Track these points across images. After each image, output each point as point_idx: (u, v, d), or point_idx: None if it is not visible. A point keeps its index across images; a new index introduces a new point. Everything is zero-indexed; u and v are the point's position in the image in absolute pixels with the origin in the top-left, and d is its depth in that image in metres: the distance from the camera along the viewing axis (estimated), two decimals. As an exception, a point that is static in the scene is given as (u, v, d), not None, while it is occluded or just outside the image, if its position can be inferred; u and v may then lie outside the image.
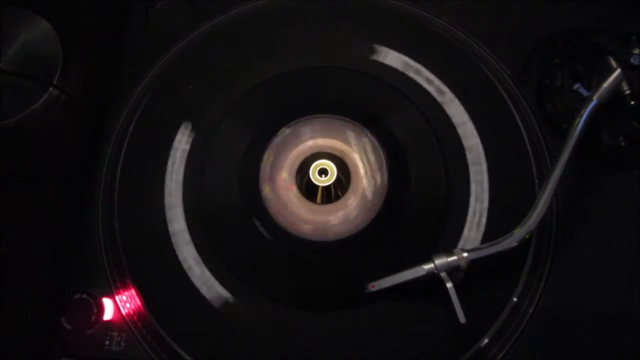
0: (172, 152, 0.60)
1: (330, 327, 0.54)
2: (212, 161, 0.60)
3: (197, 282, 0.56)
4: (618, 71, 0.52)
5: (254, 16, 0.65)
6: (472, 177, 0.58)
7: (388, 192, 0.57)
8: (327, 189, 0.58)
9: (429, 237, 0.56)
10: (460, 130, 0.59)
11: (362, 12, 0.65)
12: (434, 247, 0.55)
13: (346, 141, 0.59)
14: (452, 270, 0.51)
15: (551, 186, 0.51)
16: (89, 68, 0.63)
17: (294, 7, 0.65)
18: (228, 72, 0.63)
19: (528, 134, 0.59)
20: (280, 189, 0.59)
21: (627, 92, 0.53)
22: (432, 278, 0.51)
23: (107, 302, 0.56)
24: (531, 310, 0.54)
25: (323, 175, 0.58)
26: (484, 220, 0.56)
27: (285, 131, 0.60)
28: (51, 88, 0.58)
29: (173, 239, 0.57)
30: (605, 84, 0.52)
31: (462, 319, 0.49)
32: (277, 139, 0.60)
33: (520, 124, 0.59)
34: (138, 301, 0.56)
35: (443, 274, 0.50)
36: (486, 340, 0.53)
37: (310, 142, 0.60)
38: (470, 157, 0.58)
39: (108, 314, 0.56)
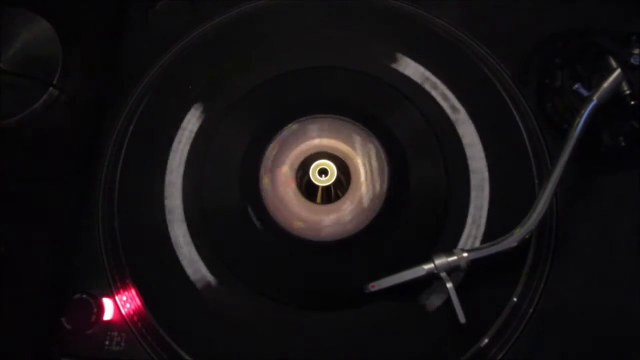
0: (172, 152, 0.60)
1: (330, 327, 0.54)
2: (212, 161, 0.60)
3: (197, 282, 0.56)
4: (618, 71, 0.52)
5: (254, 16, 0.65)
6: (472, 177, 0.58)
7: (385, 201, 0.57)
8: (326, 189, 0.58)
9: (429, 237, 0.56)
10: (460, 130, 0.59)
11: (362, 12, 0.65)
12: (434, 247, 0.55)
13: (352, 145, 0.59)
14: (452, 270, 0.51)
15: (551, 186, 0.51)
16: (89, 68, 0.63)
17: (294, 7, 0.65)
18: (228, 72, 0.63)
19: (528, 134, 0.59)
20: (279, 183, 0.59)
21: (627, 92, 0.53)
22: (432, 278, 0.51)
23: (107, 302, 0.56)
24: (531, 310, 0.54)
25: (323, 175, 0.58)
26: (484, 220, 0.56)
27: (293, 126, 0.60)
28: (51, 88, 0.58)
29: (173, 239, 0.57)
30: (605, 84, 0.52)
31: (462, 319, 0.49)
32: (284, 133, 0.60)
33: (520, 124, 0.59)
34: (138, 301, 0.56)
35: (443, 274, 0.50)
36: (486, 340, 0.53)
37: (316, 141, 0.60)
38: (470, 157, 0.58)
39: (108, 314, 0.56)
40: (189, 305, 0.56)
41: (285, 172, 0.59)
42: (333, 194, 0.59)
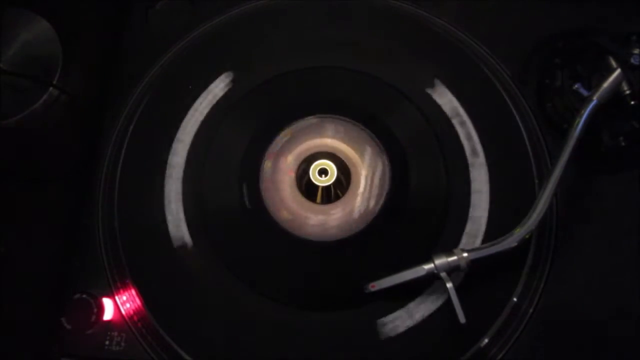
0: (172, 152, 0.60)
1: (330, 327, 0.54)
2: (212, 161, 0.60)
3: (197, 283, 0.56)
4: (618, 71, 0.52)
5: (254, 16, 0.65)
6: (472, 177, 0.58)
7: (374, 219, 0.57)
8: (326, 189, 0.58)
9: (429, 237, 0.56)
10: (460, 130, 0.59)
11: (362, 12, 0.65)
12: (434, 247, 0.55)
13: (361, 155, 0.59)
14: (452, 270, 0.51)
15: (551, 186, 0.51)
16: (89, 68, 0.63)
17: (294, 7, 0.65)
18: (228, 72, 0.63)
19: (528, 134, 0.59)
20: (279, 170, 0.59)
21: (627, 92, 0.53)
22: (432, 278, 0.51)
23: (107, 302, 0.56)
24: (531, 310, 0.54)
25: (323, 175, 0.58)
26: (484, 220, 0.56)
27: (312, 120, 0.60)
28: (51, 88, 0.58)
29: (173, 239, 0.57)
30: (605, 84, 0.52)
31: (462, 319, 0.49)
32: (301, 123, 0.60)
33: (520, 124, 0.59)
34: (138, 301, 0.56)
35: (443, 274, 0.50)
36: (486, 340, 0.53)
37: (328, 140, 0.60)
38: (470, 157, 0.58)
39: (108, 314, 0.56)
40: (189, 305, 0.56)
41: (289, 162, 0.59)
42: (333, 194, 0.59)
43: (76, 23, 0.62)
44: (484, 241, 0.55)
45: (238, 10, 0.66)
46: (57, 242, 0.58)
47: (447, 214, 0.57)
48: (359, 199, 0.57)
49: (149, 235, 0.58)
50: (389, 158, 0.58)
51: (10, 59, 0.59)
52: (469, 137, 0.59)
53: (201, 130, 0.61)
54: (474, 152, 0.58)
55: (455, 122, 0.59)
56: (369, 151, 0.59)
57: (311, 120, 0.60)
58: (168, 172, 0.59)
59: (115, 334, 0.55)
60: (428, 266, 0.51)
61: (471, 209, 0.57)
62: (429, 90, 0.60)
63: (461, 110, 0.59)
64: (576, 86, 0.56)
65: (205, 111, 0.61)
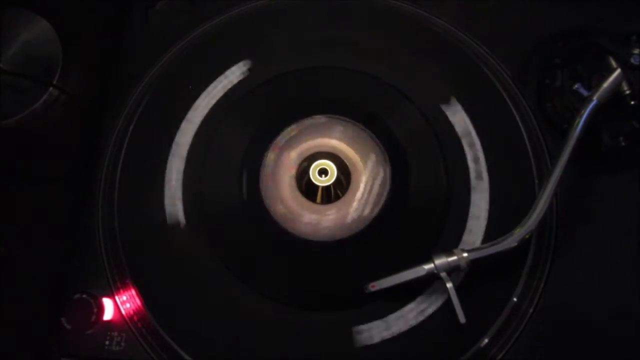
0: (172, 152, 0.60)
1: (330, 327, 0.54)
2: (212, 162, 0.60)
3: (197, 283, 0.56)
4: (618, 71, 0.52)
5: (254, 16, 0.65)
6: (472, 177, 0.58)
7: (367, 227, 0.57)
8: (326, 189, 0.58)
9: (429, 237, 0.56)
10: (460, 130, 0.59)
11: (362, 12, 0.65)
12: (434, 247, 0.55)
13: (365, 161, 0.59)
14: (452, 270, 0.51)
15: (551, 186, 0.51)
16: (89, 68, 0.63)
17: (294, 7, 0.65)
18: (228, 72, 0.63)
19: (528, 134, 0.59)
20: (281, 164, 0.59)
21: (627, 92, 0.53)
22: (432, 278, 0.51)
23: (107, 302, 0.56)
24: (531, 310, 0.54)
25: (323, 175, 0.58)
26: (484, 220, 0.56)
27: (322, 119, 0.60)
28: (51, 88, 0.58)
29: (173, 239, 0.57)
30: (605, 84, 0.52)
31: (462, 319, 0.49)
32: (309, 121, 0.60)
33: (520, 124, 0.59)
34: (138, 301, 0.56)
35: (443, 274, 0.50)
36: (486, 340, 0.53)
37: (334, 142, 0.60)
38: (470, 157, 0.58)
39: (108, 314, 0.56)
40: (189, 305, 0.56)
41: (293, 157, 0.59)
42: (333, 194, 0.59)
43: (76, 23, 0.62)
44: (484, 241, 0.55)
45: (238, 10, 0.66)
46: (57, 242, 0.59)
47: (447, 214, 0.57)
48: (355, 204, 0.58)
49: (149, 235, 0.58)
50: (392, 166, 0.58)
51: (10, 59, 0.59)
52: (472, 148, 0.59)
53: (201, 130, 0.61)
54: (476, 159, 0.58)
55: (464, 142, 0.59)
56: (372, 158, 0.59)
57: (320, 119, 0.60)
58: (168, 171, 0.59)
59: (115, 334, 0.55)
60: (428, 266, 0.51)
61: (471, 209, 0.57)
62: (443, 107, 0.60)
63: (472, 131, 0.59)
64: (576, 86, 0.56)
65: (219, 95, 0.61)
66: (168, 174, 0.59)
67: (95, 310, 0.55)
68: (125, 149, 0.60)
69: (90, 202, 0.60)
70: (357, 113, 0.60)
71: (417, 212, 0.57)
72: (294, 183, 0.59)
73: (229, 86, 0.62)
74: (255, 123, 0.61)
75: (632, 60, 0.53)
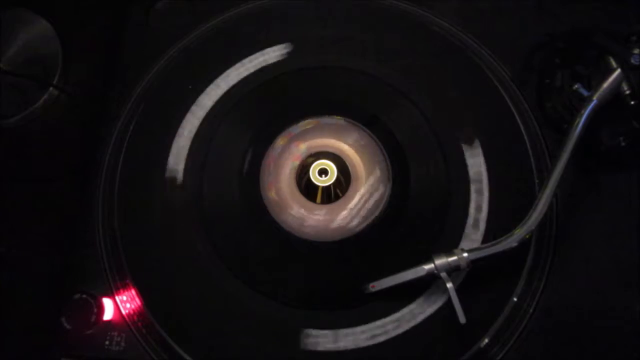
0: (172, 152, 0.60)
1: (331, 327, 0.54)
2: (212, 162, 0.60)
3: (197, 282, 0.56)
4: (618, 71, 0.52)
5: (254, 16, 0.65)
6: (472, 177, 0.58)
7: (353, 236, 0.56)
8: (326, 189, 0.58)
9: (429, 237, 0.56)
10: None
11: (362, 12, 0.65)
12: (434, 247, 0.55)
13: (368, 174, 0.59)
14: (452, 270, 0.51)
15: (551, 186, 0.51)
16: (88, 68, 0.63)
17: (294, 7, 0.65)
18: (227, 72, 0.63)
19: (528, 134, 0.59)
20: (289, 152, 0.60)
21: (627, 92, 0.53)
22: (432, 278, 0.51)
23: (107, 302, 0.56)
24: (531, 310, 0.54)
25: (323, 175, 0.58)
26: (484, 220, 0.56)
27: (340, 121, 0.60)
28: (51, 88, 0.58)
29: (173, 239, 0.57)
30: (605, 84, 0.52)
31: (462, 319, 0.49)
32: (327, 120, 0.60)
33: (520, 124, 0.59)
34: (138, 301, 0.56)
35: (443, 274, 0.50)
36: (486, 340, 0.53)
37: (345, 147, 0.60)
38: (470, 157, 0.58)
39: (108, 314, 0.56)
40: (189, 305, 0.56)
41: (301, 149, 0.60)
42: (333, 194, 0.59)
43: (76, 23, 0.62)
44: (484, 241, 0.55)
45: (238, 10, 0.66)
46: (57, 242, 0.58)
47: (447, 214, 0.57)
48: (345, 212, 0.57)
49: (149, 235, 0.58)
50: (392, 187, 0.58)
51: (10, 59, 0.59)
52: (471, 148, 0.58)
53: (201, 130, 0.61)
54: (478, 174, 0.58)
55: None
56: (377, 174, 0.58)
57: (339, 121, 0.60)
58: (168, 171, 0.59)
59: (115, 334, 0.55)
60: (428, 266, 0.51)
61: (471, 209, 0.57)
62: (464, 146, 0.59)
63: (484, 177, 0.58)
64: (576, 86, 0.56)
65: (252, 70, 0.62)
66: (168, 173, 0.59)
67: (95, 310, 0.55)
68: (125, 149, 0.60)
69: (90, 202, 0.60)
70: (357, 113, 0.60)
71: (417, 212, 0.57)
72: (293, 173, 0.59)
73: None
74: (254, 123, 0.61)
75: (632, 60, 0.53)
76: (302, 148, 0.60)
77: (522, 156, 0.58)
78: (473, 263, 0.51)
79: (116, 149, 0.61)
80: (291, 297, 0.55)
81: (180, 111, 0.61)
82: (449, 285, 0.50)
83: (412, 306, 0.54)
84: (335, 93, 0.63)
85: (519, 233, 0.50)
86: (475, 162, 0.58)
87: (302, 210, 0.58)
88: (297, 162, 0.59)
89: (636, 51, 0.53)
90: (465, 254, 0.51)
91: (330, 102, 0.62)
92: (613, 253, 0.55)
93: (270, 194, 0.58)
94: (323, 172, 0.58)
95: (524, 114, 0.60)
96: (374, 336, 0.53)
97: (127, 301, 0.56)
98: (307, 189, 0.59)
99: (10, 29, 0.60)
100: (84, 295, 0.55)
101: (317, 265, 0.57)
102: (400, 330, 0.54)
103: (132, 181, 0.60)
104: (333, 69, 0.63)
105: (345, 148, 0.60)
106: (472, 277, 0.53)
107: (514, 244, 0.51)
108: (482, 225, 0.56)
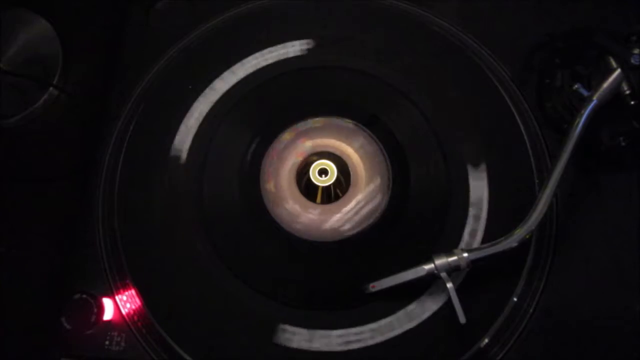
0: (172, 152, 0.60)
1: (331, 327, 0.54)
2: (212, 162, 0.60)
3: (197, 282, 0.56)
4: (618, 71, 0.52)
5: (254, 16, 0.65)
6: (472, 176, 0.58)
7: (353, 237, 0.56)
8: (326, 189, 0.58)
9: (429, 237, 0.56)
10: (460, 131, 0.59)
11: (362, 12, 0.65)
12: (434, 247, 0.55)
13: (369, 181, 0.59)
14: (452, 270, 0.51)
15: (551, 186, 0.51)
16: (89, 68, 0.63)
17: (294, 7, 0.65)
18: (227, 72, 0.63)
19: (528, 134, 0.59)
20: (293, 147, 0.60)
21: (627, 92, 0.53)
22: (433, 278, 0.51)
23: (107, 302, 0.56)
24: (531, 310, 0.54)
25: (323, 175, 0.58)
26: (484, 220, 0.56)
27: (350, 125, 0.60)
28: (51, 88, 0.58)
29: (173, 239, 0.57)
30: (605, 84, 0.52)
31: (462, 319, 0.49)
32: (337, 122, 0.60)
33: (520, 124, 0.59)
34: (138, 301, 0.56)
35: (443, 274, 0.50)
36: (486, 340, 0.53)
37: (350, 150, 0.60)
38: (470, 157, 0.58)
39: (108, 314, 0.56)
40: (189, 305, 0.56)
41: (306, 146, 0.60)
42: (333, 194, 0.59)
43: (76, 23, 0.62)
44: (484, 241, 0.55)
45: (238, 10, 0.66)
46: (57, 242, 0.59)
47: (447, 214, 0.57)
48: (339, 215, 0.57)
49: (149, 235, 0.58)
50: (390, 199, 0.57)
51: (10, 59, 0.59)
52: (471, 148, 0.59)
53: (201, 130, 0.61)
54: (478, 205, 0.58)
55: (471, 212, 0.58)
56: (377, 182, 0.58)
57: (348, 124, 0.60)
58: (168, 171, 0.59)
59: (115, 334, 0.55)
60: (428, 266, 0.51)
61: (471, 209, 0.57)
62: (470, 168, 0.58)
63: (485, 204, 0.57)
64: (576, 86, 0.56)
65: (270, 61, 0.62)
66: (168, 173, 0.59)
67: (95, 310, 0.54)
68: (125, 149, 0.60)
69: (90, 202, 0.60)
70: (357, 113, 0.60)
71: (417, 212, 0.57)
72: (294, 169, 0.59)
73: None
74: (254, 123, 0.61)
75: (632, 60, 0.53)
76: (307, 145, 0.60)
77: (522, 156, 0.58)
78: (473, 263, 0.51)
79: (116, 149, 0.61)
80: (291, 297, 0.55)
81: (180, 111, 0.61)
82: (449, 285, 0.50)
83: (412, 306, 0.54)
84: (335, 93, 0.63)
85: (519, 233, 0.50)
86: (476, 162, 0.58)
87: (297, 207, 0.58)
88: (300, 159, 0.59)
89: (636, 51, 0.53)
90: (465, 254, 0.51)
91: (331, 102, 0.62)
92: (613, 253, 0.55)
93: (268, 186, 0.58)
94: (323, 172, 0.58)
95: (524, 114, 0.60)
96: (374, 336, 0.53)
97: (127, 301, 0.56)
98: (307, 189, 0.59)
99: (10, 29, 0.60)
100: (84, 295, 0.55)
101: (317, 265, 0.57)
102: (400, 331, 0.54)
103: (132, 181, 0.60)
104: (333, 69, 0.63)
105: (350, 152, 0.60)
106: (472, 277, 0.53)
107: (514, 244, 0.51)
108: (482, 225, 0.56)
